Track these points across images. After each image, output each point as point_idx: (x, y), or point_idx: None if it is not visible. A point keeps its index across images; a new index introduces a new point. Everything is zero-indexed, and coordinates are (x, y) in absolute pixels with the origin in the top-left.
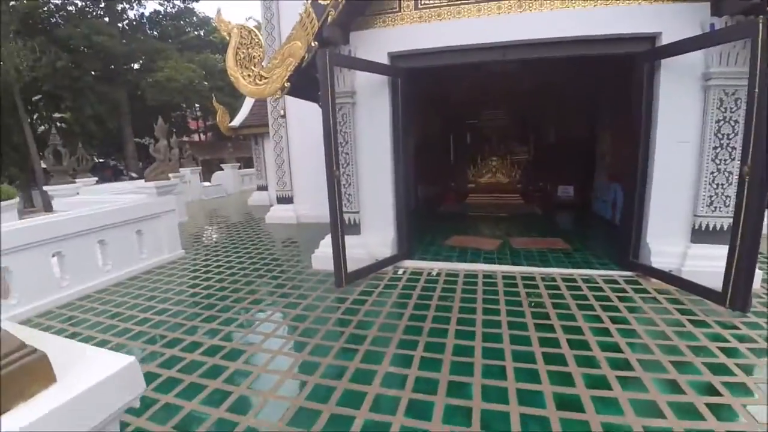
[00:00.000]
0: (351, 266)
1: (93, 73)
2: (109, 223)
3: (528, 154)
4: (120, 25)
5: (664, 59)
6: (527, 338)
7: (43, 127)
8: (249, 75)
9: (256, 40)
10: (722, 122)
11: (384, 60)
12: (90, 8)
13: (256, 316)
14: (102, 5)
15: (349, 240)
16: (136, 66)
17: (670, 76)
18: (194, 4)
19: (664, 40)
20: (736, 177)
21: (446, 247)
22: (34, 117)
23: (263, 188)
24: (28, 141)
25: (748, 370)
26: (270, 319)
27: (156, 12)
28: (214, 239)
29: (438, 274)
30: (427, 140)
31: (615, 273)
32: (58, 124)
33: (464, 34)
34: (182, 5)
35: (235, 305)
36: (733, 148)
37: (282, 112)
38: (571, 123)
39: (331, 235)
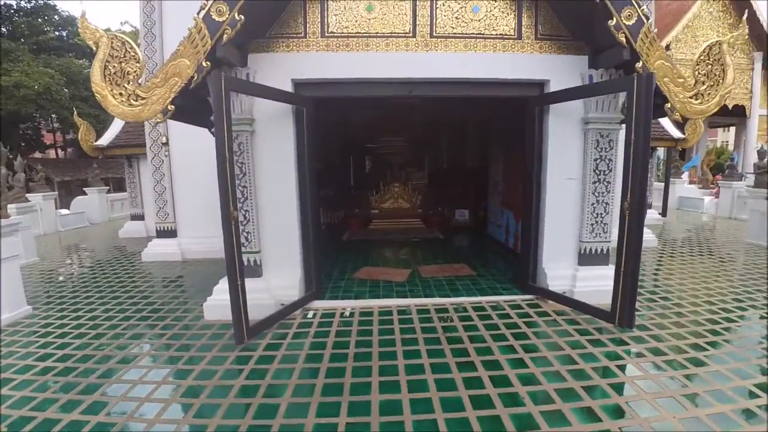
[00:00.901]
0: (253, 314)
1: None
2: None
3: (426, 180)
4: None
5: (552, 104)
6: (452, 381)
7: None
8: (121, 94)
9: (132, 53)
10: (599, 160)
11: (288, 87)
12: None
13: (133, 393)
14: None
15: (250, 284)
16: None
17: (558, 119)
18: (56, 1)
19: (552, 86)
20: (612, 207)
21: (356, 281)
22: None
23: (139, 217)
24: None
25: (648, 386)
26: (152, 397)
27: (6, 6)
28: (72, 286)
29: (351, 314)
30: (328, 164)
31: (518, 297)
32: None
33: (372, 68)
34: (41, 1)
35: (104, 380)
36: (609, 182)
37: (165, 139)
38: (465, 152)
39: (228, 282)
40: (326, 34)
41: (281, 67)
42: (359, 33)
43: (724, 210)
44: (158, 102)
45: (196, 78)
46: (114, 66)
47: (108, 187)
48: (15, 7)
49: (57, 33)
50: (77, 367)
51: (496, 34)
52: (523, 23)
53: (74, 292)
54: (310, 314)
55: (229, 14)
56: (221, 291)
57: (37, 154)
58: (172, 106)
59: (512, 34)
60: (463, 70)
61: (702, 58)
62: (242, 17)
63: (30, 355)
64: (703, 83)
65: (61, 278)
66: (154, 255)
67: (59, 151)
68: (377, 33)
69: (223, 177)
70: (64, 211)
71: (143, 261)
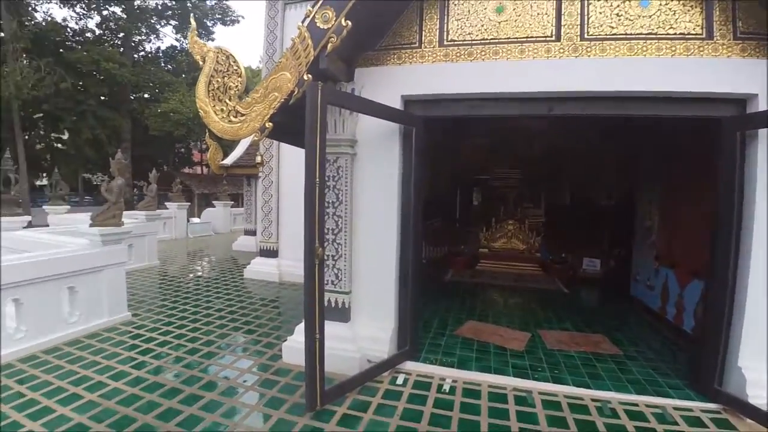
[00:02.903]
0: (334, 367)
1: (102, 98)
2: (28, 279)
3: (546, 218)
4: (135, 55)
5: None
6: None
7: (40, 146)
8: (222, 110)
9: (234, 68)
10: None
11: (396, 104)
12: (108, 37)
13: None
14: (120, 35)
15: (335, 329)
16: (146, 95)
17: None
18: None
19: (761, 103)
20: None
21: (459, 339)
22: (31, 134)
23: (251, 233)
24: (20, 158)
25: None
26: None
27: (173, 47)
28: (174, 296)
29: (452, 390)
30: (434, 195)
31: (695, 405)
32: (55, 144)
33: (500, 80)
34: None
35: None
36: None
37: (259, 158)
38: (598, 186)
39: (305, 334)
40: (445, 43)
41: (391, 81)
42: (485, 39)
43: None
44: (257, 119)
45: (296, 93)
46: (217, 81)
47: (233, 202)
48: (179, 47)
49: None
50: (133, 402)
51: (675, 34)
52: (715, 18)
53: (176, 299)
54: (401, 379)
55: (335, 20)
56: (302, 333)
57: (188, 170)
58: (270, 124)
59: (698, 32)
60: (627, 81)
61: None
62: (349, 23)
63: (104, 369)
64: None
65: (170, 286)
66: (255, 273)
67: (203, 167)
68: (508, 38)
69: (311, 205)
70: (195, 220)
71: (245, 277)
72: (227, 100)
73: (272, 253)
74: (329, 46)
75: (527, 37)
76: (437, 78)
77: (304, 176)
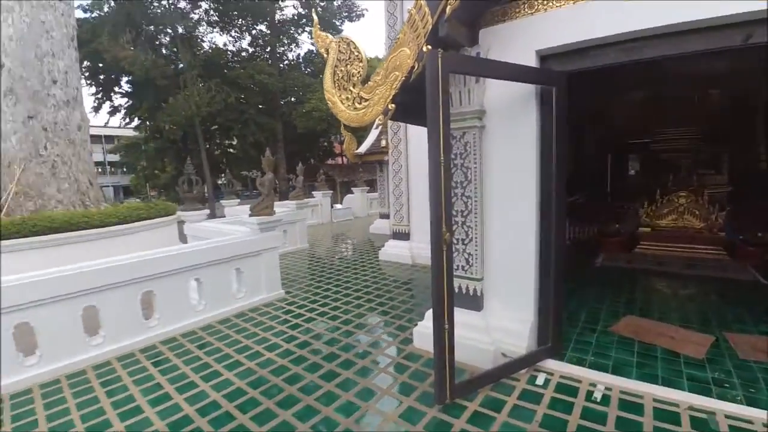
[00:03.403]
0: (465, 358)
1: (260, 107)
2: (206, 261)
3: (735, 188)
4: (281, 65)
5: None
6: None
7: (217, 152)
8: (347, 98)
9: (356, 54)
10: None
11: (531, 62)
12: (258, 53)
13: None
14: (267, 49)
15: (466, 317)
16: (293, 99)
17: None
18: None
19: None
20: None
21: (615, 338)
22: (211, 143)
23: (385, 216)
24: (204, 164)
25: None
26: None
27: (310, 52)
28: (319, 276)
29: (605, 399)
30: (578, 167)
31: None
32: (228, 150)
33: (668, 8)
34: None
35: (278, 413)
36: None
37: (384, 143)
38: None
39: (433, 324)
40: None
41: (522, 37)
42: None
43: None
44: (380, 102)
45: (416, 68)
46: (341, 70)
47: (368, 188)
48: (315, 51)
49: None
50: (281, 383)
51: None
52: None
53: (320, 278)
54: (541, 379)
55: None
56: (432, 319)
57: (330, 161)
58: (393, 105)
59: None
60: None
61: None
62: None
63: (262, 340)
64: None
65: (317, 266)
66: (389, 255)
67: (343, 158)
68: None
69: (436, 186)
70: (338, 206)
71: (380, 259)
72: (351, 88)
73: (404, 236)
74: (448, 9)
75: None
76: (580, 21)
77: (428, 156)
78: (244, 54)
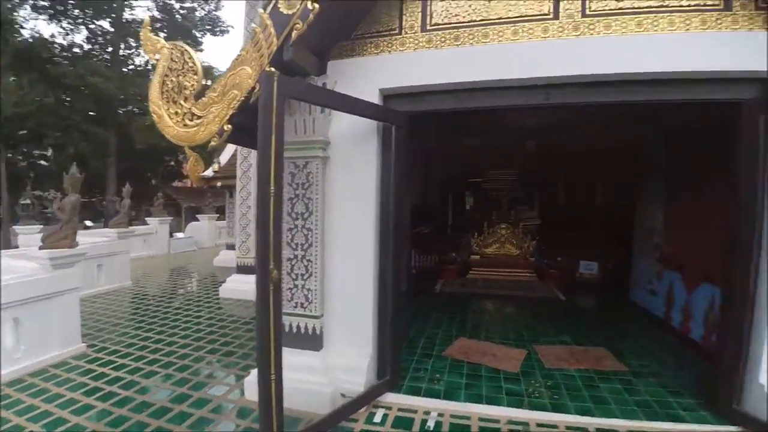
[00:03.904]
0: (302, 405)
1: (90, 114)
2: None
3: (542, 221)
4: (123, 69)
5: None
6: None
7: (24, 163)
8: (177, 112)
9: (190, 64)
10: None
11: (375, 99)
12: (97, 52)
13: None
14: (109, 49)
15: (304, 359)
16: (135, 110)
17: None
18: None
19: None
20: None
21: (448, 361)
22: (13, 153)
23: (232, 247)
24: (0, 176)
25: None
26: None
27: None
28: (139, 320)
29: (438, 427)
30: (424, 201)
31: (711, 428)
32: (40, 162)
33: (491, 66)
34: None
35: None
36: None
37: (216, 167)
38: (593, 186)
39: (258, 374)
40: (428, 27)
41: (368, 73)
42: (474, 21)
43: None
44: (214, 121)
45: (257, 89)
46: (172, 80)
47: (218, 215)
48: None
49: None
50: None
51: (689, 6)
52: None
53: (141, 323)
54: (379, 416)
55: (300, 4)
56: None
57: (178, 183)
58: (229, 126)
59: (715, 3)
60: (635, 62)
61: None
62: (316, 5)
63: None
64: None
65: (138, 309)
66: (231, 291)
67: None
68: (500, 18)
69: (263, 219)
70: (179, 235)
71: (220, 296)
72: (182, 101)
73: (250, 270)
74: (294, 33)
75: (521, 16)
76: (420, 68)
77: (257, 185)
78: (76, 50)
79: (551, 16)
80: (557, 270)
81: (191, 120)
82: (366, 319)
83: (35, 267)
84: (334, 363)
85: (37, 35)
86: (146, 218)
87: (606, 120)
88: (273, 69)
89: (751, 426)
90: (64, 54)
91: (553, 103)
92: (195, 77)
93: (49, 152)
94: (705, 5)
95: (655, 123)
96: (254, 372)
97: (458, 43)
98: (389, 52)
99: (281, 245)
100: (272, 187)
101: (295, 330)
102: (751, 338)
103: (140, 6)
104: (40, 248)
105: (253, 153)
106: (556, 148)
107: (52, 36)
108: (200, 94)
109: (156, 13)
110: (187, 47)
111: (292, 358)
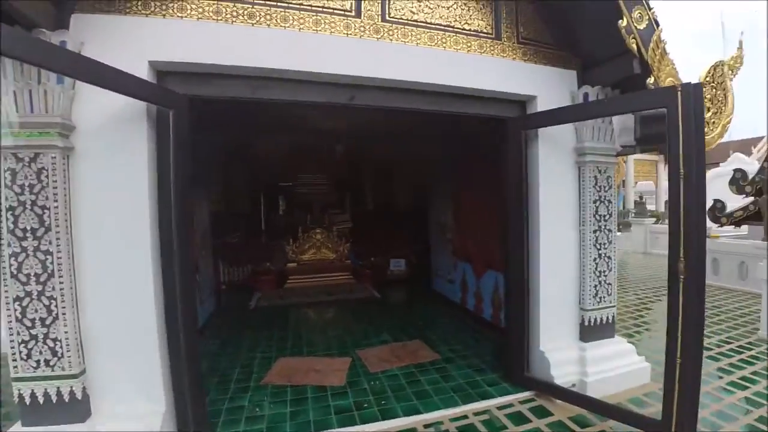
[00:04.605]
0: None
1: None
2: None
3: (354, 224)
4: None
5: (543, 128)
6: None
7: None
8: None
9: None
10: (598, 202)
11: (143, 73)
12: None
13: None
14: None
15: None
16: None
17: (549, 148)
18: None
19: (539, 104)
20: (614, 263)
21: (269, 389)
22: None
23: None
24: None
25: None
26: None
27: None
28: None
29: None
30: (228, 206)
31: (512, 398)
32: None
33: (292, 55)
34: None
35: None
36: (610, 230)
37: None
38: (396, 188)
39: None
40: None
41: (131, 39)
42: (271, 1)
43: (638, 245)
44: None
45: None
46: None
47: None
48: None
49: None
50: None
51: (470, 30)
52: (502, 19)
53: None
54: None
55: None
56: None
57: None
58: None
59: (489, 32)
60: (426, 73)
61: (707, 80)
62: None
63: None
64: (708, 110)
65: None
66: None
67: None
68: (301, 5)
69: None
70: None
71: None
72: None
73: None
74: None
75: (324, 7)
76: (204, 42)
77: None
78: None
79: (353, 14)
80: (371, 270)
81: None
82: (152, 366)
83: None
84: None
85: None
86: None
87: (405, 126)
88: None
89: (538, 388)
90: None
91: (357, 104)
92: None
93: None
94: (482, 32)
95: (444, 133)
96: None
97: (253, 22)
98: (163, 16)
99: None
100: None
101: (42, 399)
102: (529, 314)
103: None
104: None
105: None
106: (363, 153)
107: None
108: None
109: None
110: None
111: None
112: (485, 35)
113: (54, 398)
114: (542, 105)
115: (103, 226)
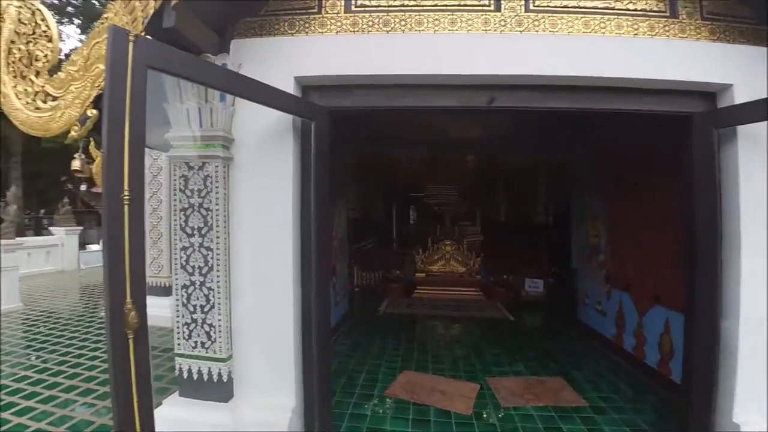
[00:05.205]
0: None
1: None
2: None
3: (485, 237)
4: None
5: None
6: None
7: None
8: (26, 91)
9: (43, 29)
10: None
11: (290, 89)
12: None
13: None
14: None
15: (206, 415)
16: None
17: (755, 152)
18: None
19: (737, 95)
20: None
21: (391, 403)
22: None
23: None
24: None
25: None
26: None
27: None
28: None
29: None
30: (363, 213)
31: None
32: None
33: (427, 59)
34: None
35: None
36: None
37: (78, 163)
38: (534, 201)
39: None
40: (353, 8)
41: (281, 57)
42: (405, 5)
43: None
44: (74, 104)
45: None
46: (20, 48)
47: None
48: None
49: None
50: None
51: (637, 10)
52: None
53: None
54: None
55: None
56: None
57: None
58: (94, 111)
59: (662, 9)
60: (584, 64)
61: None
62: None
63: None
64: None
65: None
66: None
67: None
68: (435, 5)
69: (113, 234)
70: (94, 247)
71: None
72: (33, 77)
73: (164, 291)
74: None
75: (459, 5)
76: (343, 54)
77: (103, 188)
78: None
79: (492, 7)
80: (504, 288)
81: (45, 101)
82: (286, 362)
83: None
84: (247, 418)
85: None
86: (51, 228)
87: (548, 130)
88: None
89: None
90: None
91: (498, 106)
92: (49, 45)
93: None
94: (651, 11)
95: (596, 135)
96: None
97: (388, 29)
98: (306, 33)
99: (144, 272)
100: (126, 190)
101: (195, 376)
102: (721, 373)
103: None
104: None
105: (164, 155)
106: (496, 162)
107: None
108: (57, 68)
109: None
110: (39, 5)
111: (191, 412)
112: (657, 14)
113: (205, 377)
114: (740, 96)
115: (253, 227)
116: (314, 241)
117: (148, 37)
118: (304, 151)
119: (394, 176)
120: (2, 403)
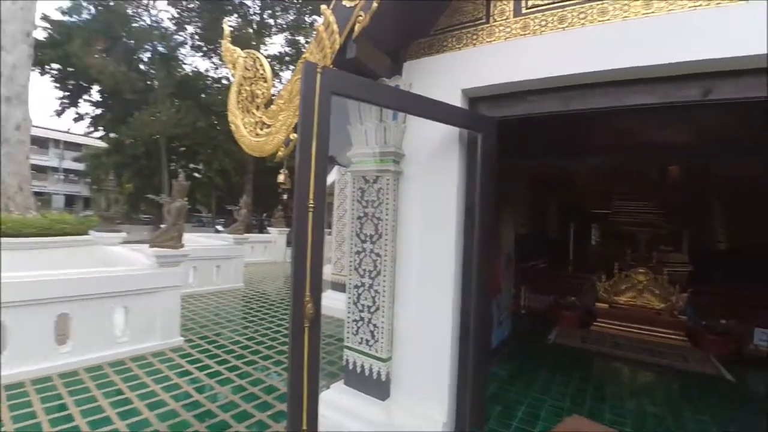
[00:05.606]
0: None
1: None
2: (78, 294)
3: (696, 268)
4: None
5: None
6: None
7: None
8: (250, 122)
9: (261, 72)
10: None
11: (457, 102)
12: None
13: None
14: None
15: (364, 409)
16: None
17: None
18: None
19: None
20: None
21: None
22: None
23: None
24: (163, 184)
25: None
26: None
27: None
28: (239, 321)
29: None
30: (538, 231)
31: None
32: (194, 174)
33: (614, 51)
34: None
35: None
36: None
37: (282, 177)
38: None
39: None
40: (524, 10)
41: (448, 73)
42: None
43: None
44: (281, 130)
45: None
46: (246, 89)
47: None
48: None
49: None
50: None
51: None
52: None
53: (240, 324)
54: None
55: None
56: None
57: None
58: (295, 135)
59: None
60: None
61: None
62: None
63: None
64: None
65: (240, 311)
66: (323, 308)
67: None
68: None
69: (300, 239)
70: None
71: None
72: (254, 110)
73: (343, 288)
74: (357, 26)
75: None
76: (512, 61)
77: (295, 196)
78: (225, 82)
79: None
80: (720, 336)
81: (261, 129)
82: (441, 374)
83: (148, 262)
84: (400, 421)
85: (194, 69)
86: (269, 227)
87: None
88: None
89: None
90: (215, 86)
91: (715, 99)
92: (265, 84)
93: (201, 166)
94: None
95: None
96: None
97: (564, 26)
98: (474, 45)
99: (321, 271)
100: (311, 201)
101: (358, 369)
102: None
103: (273, 43)
104: (150, 246)
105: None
106: (709, 174)
107: (206, 70)
108: (270, 102)
109: (287, 49)
110: (259, 54)
111: (352, 402)
112: None
113: (366, 372)
114: None
115: (418, 237)
116: (476, 254)
117: (334, 68)
118: (470, 164)
119: (572, 190)
120: (219, 359)
